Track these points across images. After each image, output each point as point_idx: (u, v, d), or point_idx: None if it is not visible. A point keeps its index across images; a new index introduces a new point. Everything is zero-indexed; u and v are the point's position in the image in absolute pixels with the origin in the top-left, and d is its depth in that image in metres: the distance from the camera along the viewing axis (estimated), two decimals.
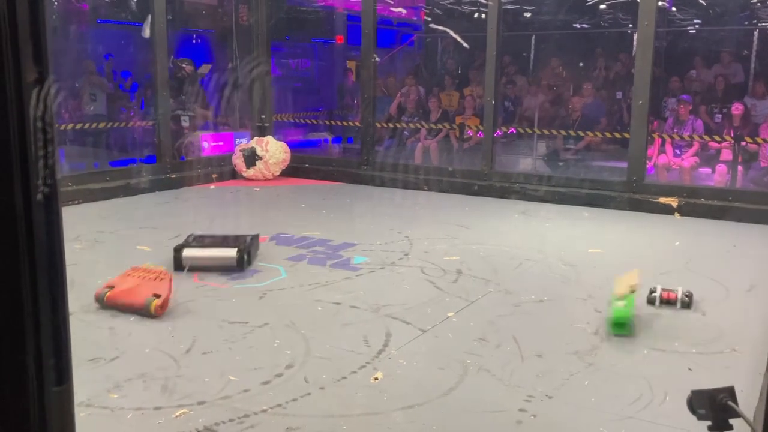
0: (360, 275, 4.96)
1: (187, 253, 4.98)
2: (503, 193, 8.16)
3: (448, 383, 3.20)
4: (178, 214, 7.29)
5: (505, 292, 4.57)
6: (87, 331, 3.79)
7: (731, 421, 1.35)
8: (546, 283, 4.83)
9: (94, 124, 9.16)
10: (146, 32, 8.56)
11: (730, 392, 1.30)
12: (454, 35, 12.37)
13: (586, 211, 7.41)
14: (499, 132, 9.62)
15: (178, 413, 2.91)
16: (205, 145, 9.53)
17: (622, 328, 3.82)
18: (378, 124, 10.06)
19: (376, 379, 3.25)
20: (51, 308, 1.10)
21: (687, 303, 4.27)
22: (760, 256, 5.58)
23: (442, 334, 3.84)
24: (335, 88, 13.92)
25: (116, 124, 9.70)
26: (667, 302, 4.27)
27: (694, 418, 2.91)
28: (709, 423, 1.30)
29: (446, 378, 3.26)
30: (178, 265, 4.89)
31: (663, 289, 4.33)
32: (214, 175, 9.24)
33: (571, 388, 3.19)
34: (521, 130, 11.04)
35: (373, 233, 6.22)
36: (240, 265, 4.95)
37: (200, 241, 5.23)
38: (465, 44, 12.09)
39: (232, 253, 4.97)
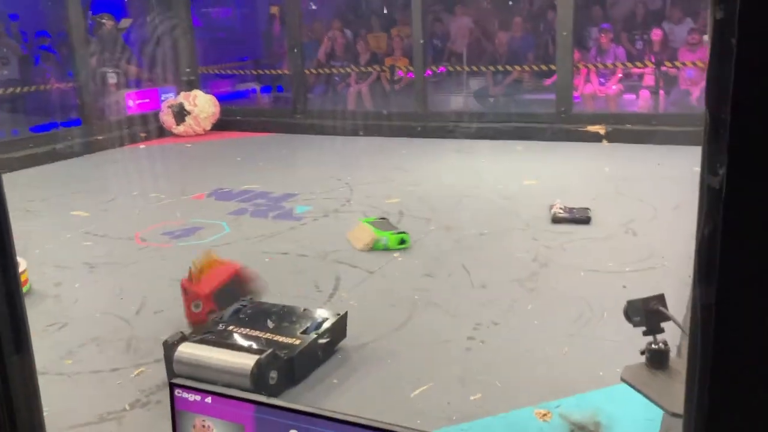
0: (304, 224, 5.00)
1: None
2: (438, 133, 8.25)
3: (399, 319, 3.31)
4: (109, 177, 7.12)
5: (447, 229, 4.70)
6: (31, 300, 3.73)
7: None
8: (485, 217, 4.97)
9: (10, 90, 8.73)
10: None
11: (660, 299, 1.42)
12: None
13: (519, 145, 7.59)
14: (429, 72, 9.65)
15: (136, 372, 2.93)
16: (131, 103, 9.23)
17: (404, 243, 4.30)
18: (307, 71, 9.93)
19: None
20: (2, 275, 1.10)
21: (585, 219, 4.64)
22: (684, 176, 5.85)
23: (390, 273, 3.94)
24: (260, 36, 13.59)
25: (33, 88, 9.26)
26: (568, 220, 4.66)
27: (632, 331, 3.12)
28: (643, 328, 1.42)
29: (397, 314, 3.37)
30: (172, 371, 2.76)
31: (561, 207, 4.71)
32: (142, 134, 9.00)
33: (515, 313, 3.36)
34: (450, 68, 11.08)
35: (313, 182, 6.23)
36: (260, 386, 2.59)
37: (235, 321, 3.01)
38: None
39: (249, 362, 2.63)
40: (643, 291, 3.52)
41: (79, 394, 2.79)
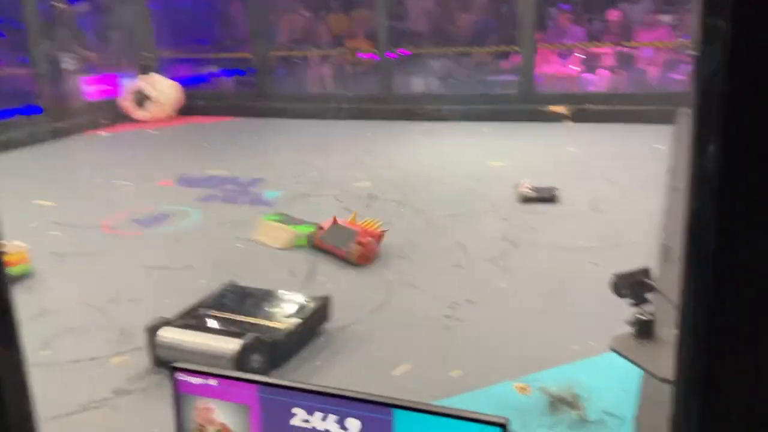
0: (275, 209, 4.99)
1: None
2: (403, 116, 8.27)
3: (377, 301, 3.36)
4: (72, 165, 6.98)
5: (418, 211, 4.75)
6: None
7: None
8: (454, 198, 5.04)
9: None
10: None
11: (645, 272, 1.49)
12: None
13: (484, 126, 7.66)
14: (391, 54, 9.64)
15: (117, 360, 2.93)
16: (90, 89, 9.03)
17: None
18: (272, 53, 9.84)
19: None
20: None
21: (552, 197, 4.77)
22: (647, 154, 6.00)
23: None
24: (218, 18, 13.36)
25: None
26: (536, 199, 4.78)
27: (604, 305, 3.21)
28: (630, 300, 1.49)
29: (374, 296, 3.41)
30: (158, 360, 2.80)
31: (529, 187, 4.82)
32: (103, 121, 8.81)
33: (489, 292, 3.43)
34: (414, 50, 11.08)
35: (281, 167, 6.22)
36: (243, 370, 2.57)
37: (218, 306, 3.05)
38: None
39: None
40: (612, 267, 3.62)
41: (59, 385, 2.77)
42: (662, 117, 7.13)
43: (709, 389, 0.86)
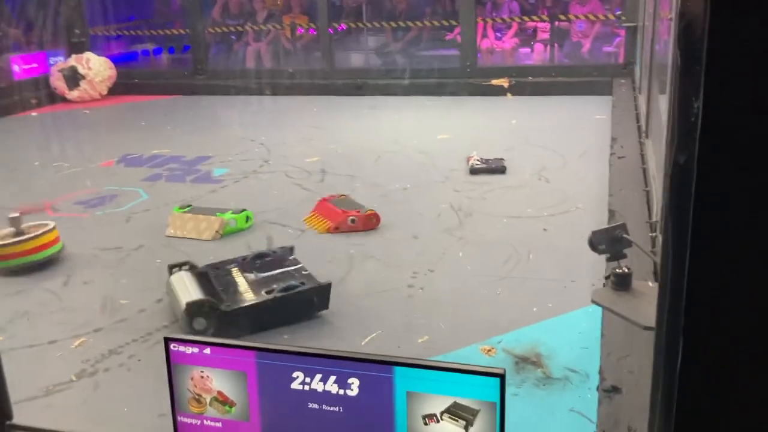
0: (225, 186, 4.94)
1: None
2: (346, 91, 8.24)
3: (339, 273, 3.38)
4: (5, 147, 6.69)
5: (372, 185, 4.77)
6: None
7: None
8: (406, 171, 5.08)
9: None
10: None
11: (623, 227, 1.56)
12: None
13: (427, 100, 7.72)
14: (330, 29, 9.57)
15: (76, 343, 2.87)
16: (16, 68, 8.64)
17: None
18: (209, 30, 9.62)
19: None
20: None
21: (502, 168, 4.87)
22: (586, 125, 6.19)
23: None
24: None
25: None
26: (486, 171, 4.87)
27: (558, 269, 3.33)
28: (607, 255, 1.56)
29: (336, 269, 3.44)
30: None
31: (478, 159, 4.93)
32: (33, 101, 8.47)
33: (448, 260, 3.50)
34: (352, 25, 11.02)
35: (226, 144, 6.13)
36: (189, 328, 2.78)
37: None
38: None
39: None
40: (562, 233, 3.77)
41: (19, 369, 2.69)
42: (598, 88, 7.36)
43: (689, 336, 0.92)
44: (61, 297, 3.32)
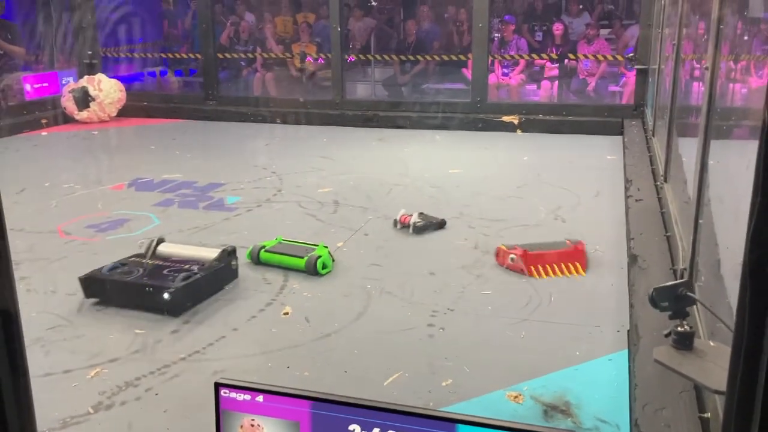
0: (238, 215, 4.91)
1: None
2: (355, 122, 8.26)
3: (356, 309, 3.34)
4: (14, 167, 6.66)
5: (384, 218, 4.74)
6: None
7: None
8: (418, 205, 5.03)
9: None
10: None
11: (687, 285, 1.53)
12: None
13: (437, 134, 7.74)
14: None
15: (92, 373, 2.81)
16: (28, 87, 8.65)
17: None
18: (220, 56, 9.67)
19: (287, 313, 3.32)
20: None
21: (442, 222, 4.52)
22: (599, 165, 6.20)
23: (337, 263, 3.94)
24: (157, 16, 13.02)
25: None
26: (404, 226, 4.45)
27: (580, 314, 3.29)
28: (669, 313, 1.53)
29: (353, 304, 3.39)
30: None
31: (402, 214, 4.50)
32: (43, 120, 8.47)
33: (467, 299, 3.46)
34: (362, 57, 11.09)
35: (238, 171, 6.11)
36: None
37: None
38: None
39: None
40: (583, 277, 3.73)
41: (35, 399, 2.63)
42: (609, 128, 7.40)
43: (764, 403, 0.88)
44: (75, 324, 3.26)
